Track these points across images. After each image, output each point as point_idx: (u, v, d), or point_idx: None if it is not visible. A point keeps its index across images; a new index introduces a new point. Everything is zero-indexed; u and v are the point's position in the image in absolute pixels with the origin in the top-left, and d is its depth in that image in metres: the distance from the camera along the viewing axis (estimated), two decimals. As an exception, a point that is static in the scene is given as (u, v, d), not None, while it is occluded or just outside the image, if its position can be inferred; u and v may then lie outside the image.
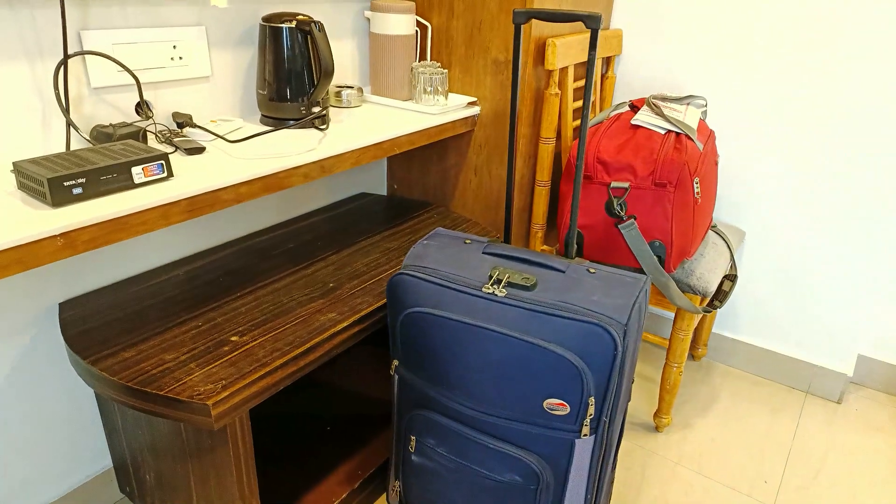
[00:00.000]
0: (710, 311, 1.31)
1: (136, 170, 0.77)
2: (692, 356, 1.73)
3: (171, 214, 0.79)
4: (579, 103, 1.45)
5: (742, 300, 1.63)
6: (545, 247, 1.45)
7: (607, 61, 1.58)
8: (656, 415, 1.44)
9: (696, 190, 1.15)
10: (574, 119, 1.47)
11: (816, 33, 1.32)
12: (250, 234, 1.28)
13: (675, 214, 1.16)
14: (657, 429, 1.45)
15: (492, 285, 0.90)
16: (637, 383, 1.62)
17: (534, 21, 1.23)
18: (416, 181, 1.57)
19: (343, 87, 1.31)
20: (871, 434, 1.47)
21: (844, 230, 1.43)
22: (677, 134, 1.20)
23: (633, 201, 1.19)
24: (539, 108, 1.36)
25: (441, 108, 1.28)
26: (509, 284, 0.90)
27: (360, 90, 1.32)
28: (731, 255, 1.40)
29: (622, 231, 1.17)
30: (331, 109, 1.28)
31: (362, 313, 1.00)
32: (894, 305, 1.53)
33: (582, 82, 1.46)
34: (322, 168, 1.01)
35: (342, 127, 1.16)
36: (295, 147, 1.01)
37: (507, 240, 1.05)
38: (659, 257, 1.19)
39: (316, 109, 1.11)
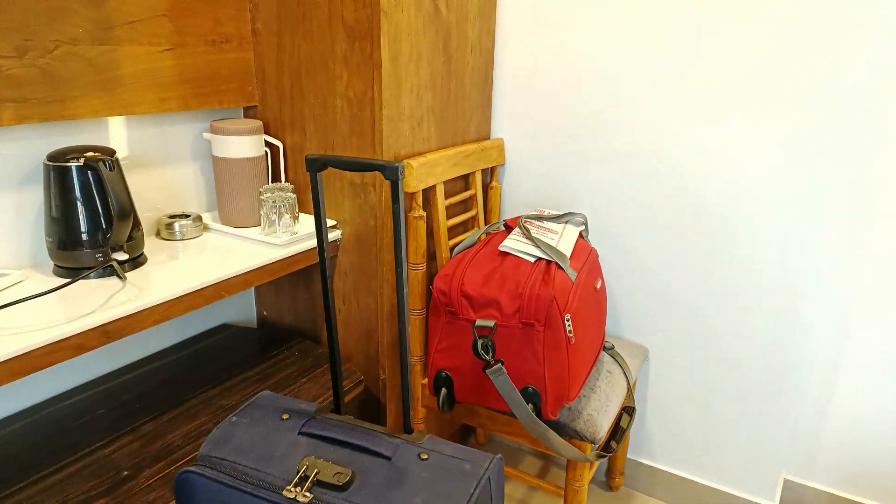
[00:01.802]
0: (604, 457, 1.14)
1: None
2: (609, 486, 1.55)
3: None
4: (457, 219, 1.33)
5: (655, 423, 1.48)
6: (424, 381, 1.28)
7: (492, 171, 1.48)
8: (561, 575, 1.24)
9: (567, 328, 1.01)
10: (451, 237, 1.34)
11: (690, 141, 1.25)
12: (58, 396, 1.07)
13: (548, 357, 1.01)
14: (564, 591, 1.24)
15: (295, 486, 0.72)
16: (546, 527, 1.42)
17: (392, 137, 1.12)
18: (287, 308, 1.40)
19: (177, 216, 1.15)
20: (804, 577, 1.30)
21: (751, 340, 1.31)
22: (548, 262, 1.07)
23: (501, 341, 1.04)
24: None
25: (289, 238, 1.13)
26: (318, 483, 0.72)
27: (199, 218, 1.17)
28: (628, 383, 1.25)
29: (490, 376, 1.01)
30: (161, 244, 1.11)
31: (151, 517, 0.80)
32: (818, 422, 1.40)
33: (460, 196, 1.34)
34: (105, 334, 0.83)
35: (162, 269, 0.99)
36: (76, 309, 0.84)
37: (336, 408, 0.88)
38: (534, 405, 1.04)
39: (119, 255, 0.95)
